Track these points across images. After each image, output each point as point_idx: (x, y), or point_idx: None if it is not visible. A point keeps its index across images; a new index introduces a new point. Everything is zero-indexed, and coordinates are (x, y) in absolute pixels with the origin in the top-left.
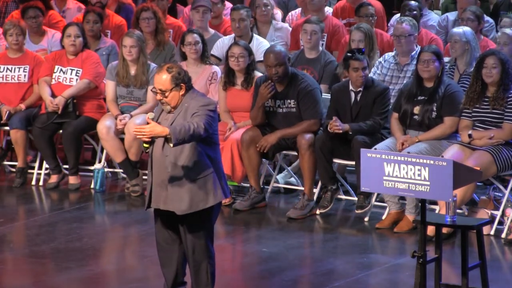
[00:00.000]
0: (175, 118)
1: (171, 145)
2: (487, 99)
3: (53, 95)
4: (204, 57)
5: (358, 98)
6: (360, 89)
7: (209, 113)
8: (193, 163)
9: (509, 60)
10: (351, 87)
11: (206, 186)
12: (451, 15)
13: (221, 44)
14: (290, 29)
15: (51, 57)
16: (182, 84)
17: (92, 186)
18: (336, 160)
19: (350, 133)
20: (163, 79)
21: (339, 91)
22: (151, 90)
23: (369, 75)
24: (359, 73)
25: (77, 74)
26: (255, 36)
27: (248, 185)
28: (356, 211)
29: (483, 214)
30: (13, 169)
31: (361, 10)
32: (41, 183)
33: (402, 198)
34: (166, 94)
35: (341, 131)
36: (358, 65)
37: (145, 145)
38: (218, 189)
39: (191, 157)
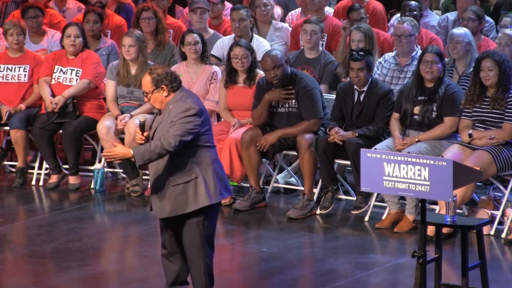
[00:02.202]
0: (160, 121)
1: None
2: (487, 99)
3: (53, 95)
4: (204, 57)
5: (362, 98)
6: (364, 89)
7: (187, 119)
8: (174, 168)
9: (506, 60)
10: (355, 87)
11: (187, 192)
12: (451, 15)
13: (221, 44)
14: (290, 29)
15: (51, 57)
16: (163, 86)
17: (92, 186)
18: (337, 161)
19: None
20: (145, 81)
21: (345, 90)
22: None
23: None
24: (353, 74)
25: (77, 74)
26: (255, 36)
27: (248, 185)
28: (353, 212)
29: (483, 214)
30: (13, 169)
31: (350, 16)
32: (41, 183)
33: (402, 198)
34: (148, 96)
35: (341, 143)
36: (354, 65)
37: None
38: (201, 194)
39: (171, 162)
